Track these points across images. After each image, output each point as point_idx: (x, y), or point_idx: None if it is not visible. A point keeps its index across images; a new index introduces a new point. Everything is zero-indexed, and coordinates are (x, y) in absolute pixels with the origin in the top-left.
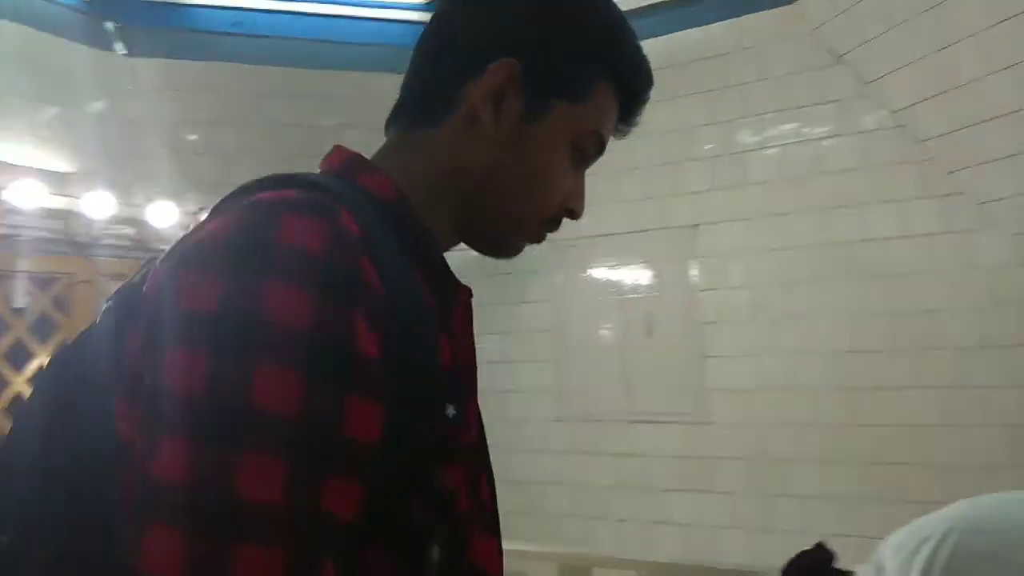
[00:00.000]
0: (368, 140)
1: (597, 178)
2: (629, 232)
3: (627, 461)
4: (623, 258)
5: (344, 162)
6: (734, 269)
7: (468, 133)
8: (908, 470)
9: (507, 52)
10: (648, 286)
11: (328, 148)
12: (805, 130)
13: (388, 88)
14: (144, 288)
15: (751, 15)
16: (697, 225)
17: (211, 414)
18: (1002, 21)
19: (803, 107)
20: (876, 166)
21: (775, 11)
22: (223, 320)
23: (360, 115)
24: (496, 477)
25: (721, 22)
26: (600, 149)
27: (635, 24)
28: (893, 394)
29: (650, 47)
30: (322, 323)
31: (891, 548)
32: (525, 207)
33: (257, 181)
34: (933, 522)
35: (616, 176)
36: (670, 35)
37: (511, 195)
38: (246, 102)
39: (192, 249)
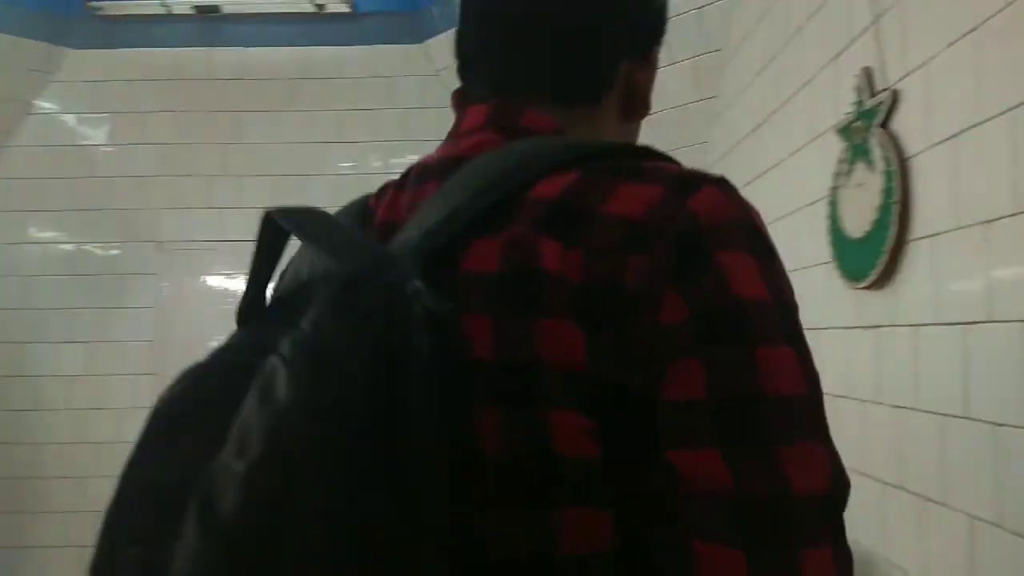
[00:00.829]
0: None
1: (223, 180)
2: (252, 240)
3: None
4: (243, 268)
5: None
6: None
7: (620, 108)
8: None
9: (651, 34)
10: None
11: None
12: None
13: None
14: (563, 270)
15: (384, 46)
16: None
17: (819, 412)
18: None
19: (427, 140)
20: None
21: (406, 47)
22: (786, 308)
23: None
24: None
25: (358, 47)
26: None
27: (275, 30)
28: None
29: (289, 55)
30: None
31: None
32: None
33: (611, 148)
34: None
35: (240, 182)
36: (310, 48)
37: None
38: None
39: (696, 226)
